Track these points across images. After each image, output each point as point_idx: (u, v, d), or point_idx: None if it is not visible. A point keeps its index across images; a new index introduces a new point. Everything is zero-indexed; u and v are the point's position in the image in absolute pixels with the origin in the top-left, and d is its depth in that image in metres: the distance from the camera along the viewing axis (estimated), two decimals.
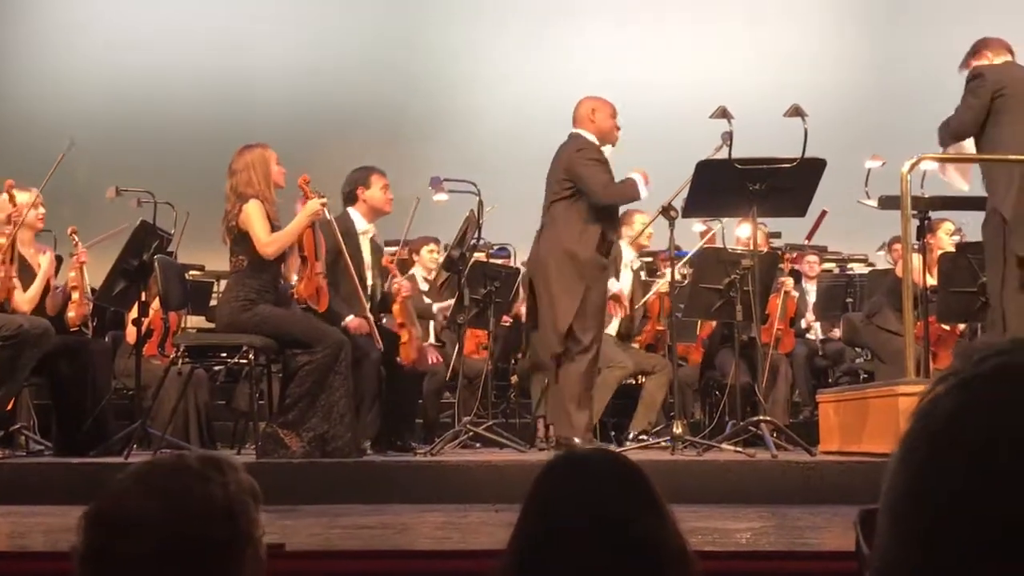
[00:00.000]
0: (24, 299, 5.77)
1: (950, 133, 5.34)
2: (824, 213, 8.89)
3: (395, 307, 6.31)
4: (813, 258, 8.64)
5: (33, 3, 11.50)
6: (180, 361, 5.52)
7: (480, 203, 6.00)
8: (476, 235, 6.06)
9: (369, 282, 5.97)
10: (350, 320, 5.61)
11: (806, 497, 4.48)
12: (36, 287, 5.88)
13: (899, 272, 7.14)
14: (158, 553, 1.39)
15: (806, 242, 9.21)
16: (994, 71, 5.36)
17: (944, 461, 0.59)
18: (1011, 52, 5.51)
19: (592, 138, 5.66)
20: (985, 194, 5.32)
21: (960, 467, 0.58)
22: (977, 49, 5.55)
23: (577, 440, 5.32)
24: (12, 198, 5.69)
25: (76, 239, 6.22)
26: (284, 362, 5.35)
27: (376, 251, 6.12)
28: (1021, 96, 5.28)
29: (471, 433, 5.83)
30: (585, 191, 5.50)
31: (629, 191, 5.53)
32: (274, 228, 5.25)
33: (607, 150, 5.68)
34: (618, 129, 5.73)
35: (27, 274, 5.87)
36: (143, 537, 1.40)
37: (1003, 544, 0.55)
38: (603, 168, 5.57)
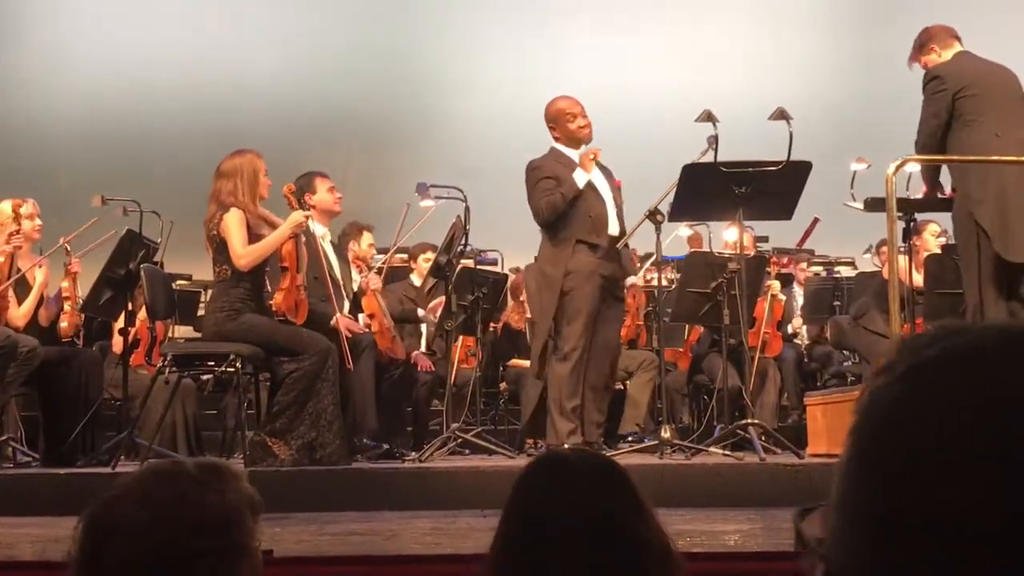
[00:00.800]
0: (18, 315, 5.82)
1: (921, 149, 5.25)
2: (816, 221, 8.92)
3: (364, 300, 6.31)
4: (805, 264, 8.67)
5: (18, 13, 11.47)
6: (167, 370, 5.50)
7: (467, 209, 6.00)
8: (463, 241, 6.06)
9: (342, 284, 6.01)
10: (338, 318, 5.62)
11: (794, 499, 4.43)
12: (30, 302, 5.94)
13: (886, 274, 7.17)
14: (148, 560, 1.38)
15: (796, 247, 9.22)
16: (950, 70, 5.22)
17: (886, 454, 0.59)
18: (958, 39, 5.38)
19: (561, 147, 5.71)
20: None
21: (902, 459, 0.58)
22: (923, 43, 5.41)
23: (564, 446, 5.31)
24: (17, 217, 5.72)
25: (68, 249, 6.23)
26: (271, 370, 5.34)
27: (339, 254, 6.14)
28: (985, 92, 5.16)
29: (460, 440, 5.83)
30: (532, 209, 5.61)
31: (552, 203, 5.52)
32: (255, 239, 5.23)
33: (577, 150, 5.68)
34: (584, 126, 5.72)
35: (23, 288, 5.92)
36: (133, 544, 1.39)
37: (952, 536, 0.55)
38: (540, 188, 5.58)
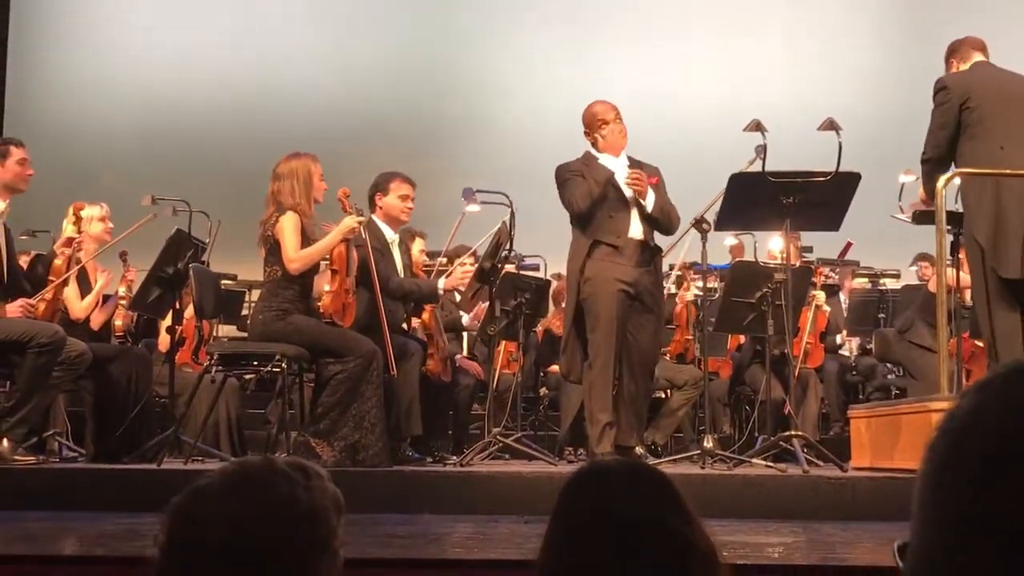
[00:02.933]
0: (79, 307, 6.05)
1: (931, 163, 5.17)
2: (849, 244, 8.86)
3: (424, 316, 6.35)
4: (850, 274, 8.63)
5: (67, 18, 11.63)
6: (213, 369, 5.55)
7: (512, 214, 6.00)
8: (508, 246, 6.06)
9: None
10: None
11: (837, 513, 4.46)
12: (91, 298, 6.12)
13: (932, 287, 7.10)
14: (235, 551, 1.40)
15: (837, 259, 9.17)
16: (958, 80, 5.16)
17: (962, 454, 0.60)
18: (982, 50, 5.31)
19: (594, 152, 5.70)
20: None
21: (976, 459, 0.59)
22: (947, 55, 5.41)
23: (597, 454, 5.29)
24: (79, 220, 5.85)
25: (126, 260, 6.49)
26: (317, 371, 5.38)
27: (406, 255, 6.16)
28: (993, 103, 5.05)
29: (500, 444, 5.84)
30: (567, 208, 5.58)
31: (588, 190, 5.50)
32: (308, 243, 5.29)
33: (616, 157, 5.67)
34: (622, 133, 5.71)
35: (84, 283, 6.17)
36: (220, 533, 1.41)
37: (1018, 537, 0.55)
38: (571, 183, 5.57)
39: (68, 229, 5.84)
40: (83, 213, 5.93)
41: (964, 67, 5.28)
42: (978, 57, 5.30)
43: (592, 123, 5.73)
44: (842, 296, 8.41)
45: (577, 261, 5.52)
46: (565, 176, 5.61)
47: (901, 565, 0.65)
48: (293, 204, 5.27)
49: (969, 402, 0.60)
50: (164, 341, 6.62)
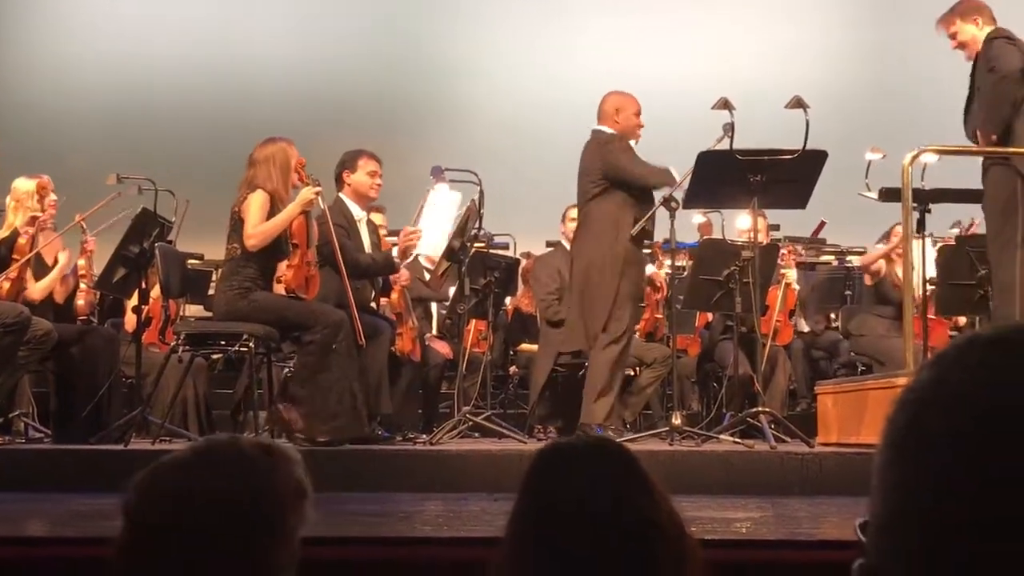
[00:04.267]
0: (36, 289, 5.90)
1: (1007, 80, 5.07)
2: (823, 223, 8.91)
3: (393, 295, 6.33)
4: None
5: None
6: (180, 349, 5.52)
7: (481, 192, 5.99)
8: (478, 225, 6.05)
9: None
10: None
11: (804, 488, 4.50)
12: (49, 279, 6.00)
13: (868, 281, 7.23)
14: (192, 527, 1.40)
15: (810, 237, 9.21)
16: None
17: (921, 427, 0.60)
18: (994, 20, 5.33)
19: (613, 132, 5.75)
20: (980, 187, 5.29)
21: (935, 431, 0.59)
22: (965, 10, 5.35)
23: (597, 428, 5.34)
24: (43, 198, 5.77)
25: (84, 227, 6.31)
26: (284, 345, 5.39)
27: (373, 234, 6.13)
28: None
29: (470, 423, 5.84)
30: (626, 179, 5.61)
31: (665, 176, 5.61)
32: None
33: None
34: (641, 126, 5.84)
35: (40, 265, 5.98)
36: (182, 510, 1.41)
37: (975, 499, 0.56)
38: (634, 155, 5.68)
39: (10, 209, 5.77)
40: (20, 186, 5.85)
41: (986, 31, 5.24)
42: (993, 25, 5.29)
43: (627, 116, 5.80)
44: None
45: (622, 244, 5.62)
46: (625, 147, 5.68)
47: (863, 540, 0.65)
48: (271, 190, 5.23)
49: (928, 374, 0.60)
50: (130, 321, 6.57)
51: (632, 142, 5.77)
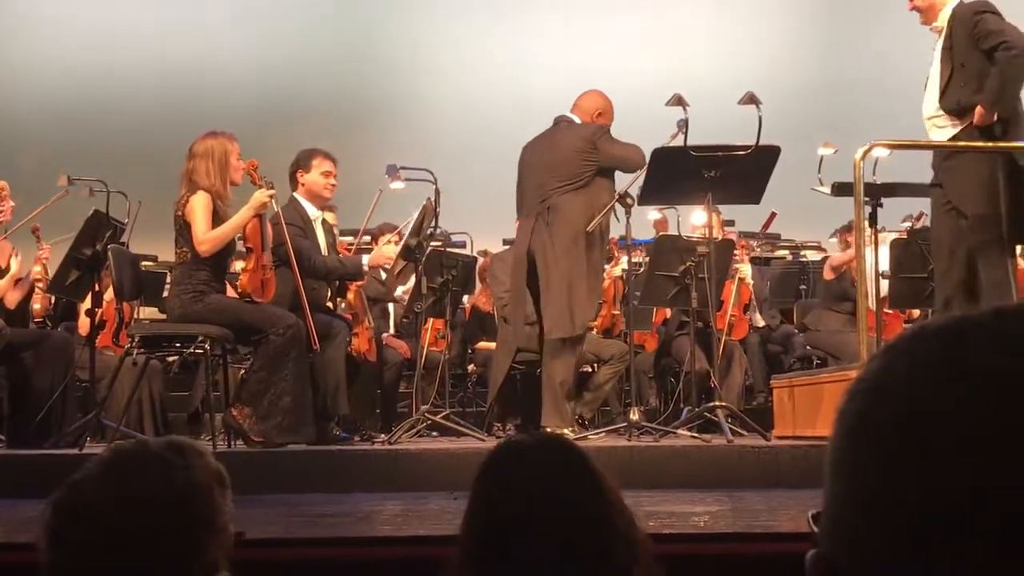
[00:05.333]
0: None
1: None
2: (773, 215, 8.97)
3: (349, 295, 6.31)
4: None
5: None
6: (135, 352, 5.47)
7: (437, 191, 5.98)
8: (433, 223, 6.05)
9: None
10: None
11: (761, 481, 4.53)
12: (2, 284, 5.93)
13: (827, 275, 7.30)
14: (119, 540, 1.39)
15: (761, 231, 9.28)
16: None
17: (869, 419, 0.60)
18: None
19: (600, 125, 5.76)
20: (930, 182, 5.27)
21: (882, 422, 0.59)
22: None
23: (568, 432, 5.31)
24: (3, 199, 5.71)
25: (39, 236, 6.31)
26: (239, 347, 5.35)
27: (329, 235, 6.11)
28: None
29: (429, 422, 5.83)
30: (624, 166, 5.61)
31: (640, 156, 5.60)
32: (222, 223, 5.19)
33: None
34: None
35: None
36: (103, 525, 1.40)
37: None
38: (621, 142, 5.69)
39: None
40: None
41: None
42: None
43: (606, 112, 5.84)
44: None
45: (597, 239, 5.62)
46: (612, 136, 5.69)
47: (815, 531, 0.66)
48: (208, 185, 5.16)
49: (876, 364, 0.61)
50: (84, 324, 6.51)
51: None
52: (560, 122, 5.78)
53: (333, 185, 6.00)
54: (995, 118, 4.93)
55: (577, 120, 5.77)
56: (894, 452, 0.58)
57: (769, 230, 9.37)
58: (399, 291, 7.48)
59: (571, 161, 5.58)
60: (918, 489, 0.57)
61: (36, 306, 6.26)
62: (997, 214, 4.93)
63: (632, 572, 1.52)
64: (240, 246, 5.55)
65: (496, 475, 1.59)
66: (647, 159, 5.50)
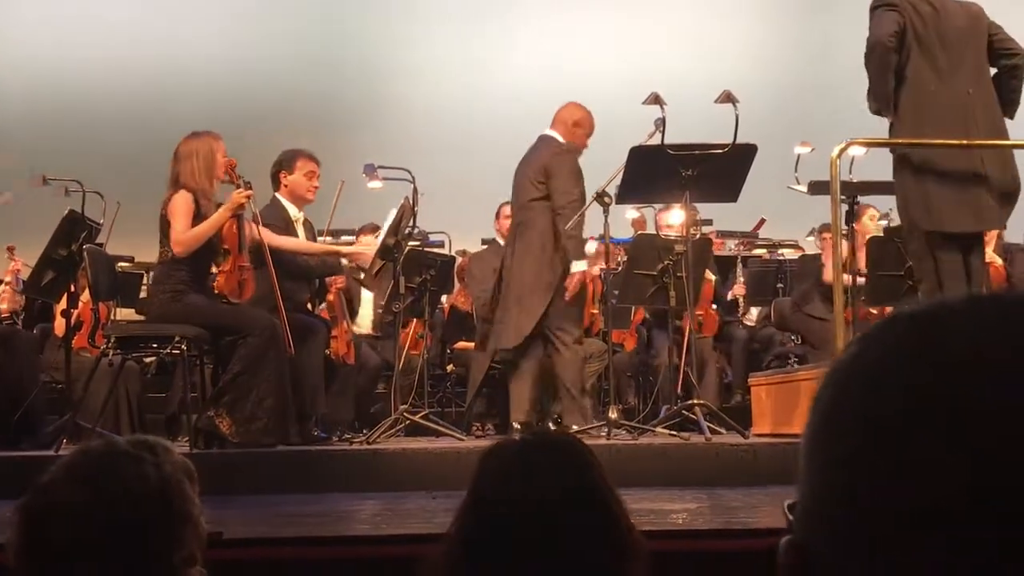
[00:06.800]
0: None
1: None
2: (762, 221, 9.00)
3: (329, 297, 6.30)
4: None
5: None
6: (111, 353, 5.44)
7: (415, 190, 5.98)
8: (411, 223, 6.04)
9: None
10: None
11: (740, 478, 4.54)
12: None
13: (826, 275, 7.30)
14: (93, 538, 1.38)
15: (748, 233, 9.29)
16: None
17: (841, 406, 0.60)
18: None
19: (563, 141, 5.91)
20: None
21: (853, 410, 0.59)
22: None
23: (575, 428, 5.50)
24: None
25: (13, 254, 6.29)
26: (217, 351, 5.31)
27: (310, 235, 6.09)
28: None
29: (408, 422, 5.82)
30: (559, 200, 5.75)
31: (577, 243, 5.78)
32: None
33: None
34: (586, 147, 6.00)
35: None
36: (75, 524, 1.39)
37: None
38: (576, 181, 5.80)
39: None
40: None
41: None
42: None
43: (581, 135, 5.97)
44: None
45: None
46: (574, 169, 5.85)
47: (791, 519, 0.65)
48: (194, 185, 5.15)
49: (850, 351, 0.61)
50: (60, 325, 6.47)
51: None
52: (538, 141, 5.90)
53: (316, 187, 5.98)
54: (880, 113, 4.86)
55: (556, 136, 5.92)
56: (863, 438, 0.58)
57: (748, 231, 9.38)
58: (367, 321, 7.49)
59: (528, 185, 5.89)
60: (886, 475, 0.56)
61: (3, 305, 6.19)
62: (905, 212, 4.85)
63: (628, 571, 1.53)
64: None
65: (494, 472, 1.59)
66: (585, 202, 5.65)
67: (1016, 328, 0.58)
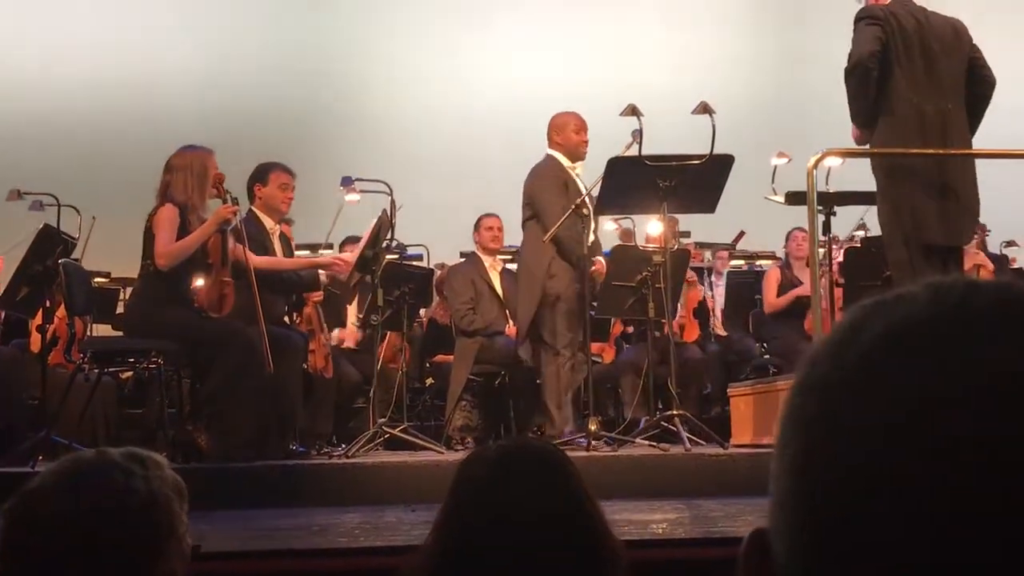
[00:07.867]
0: None
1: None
2: (742, 233, 9.03)
3: (307, 310, 6.27)
4: (723, 253, 8.80)
5: None
6: (87, 368, 5.40)
7: (392, 203, 5.97)
8: (389, 235, 6.03)
9: None
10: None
11: (719, 489, 4.54)
12: None
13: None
14: (77, 548, 1.37)
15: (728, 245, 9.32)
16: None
17: (804, 401, 0.60)
18: None
19: (560, 156, 5.98)
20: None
21: (814, 402, 0.58)
22: None
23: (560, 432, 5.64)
24: None
25: None
26: (195, 364, 5.28)
27: (287, 247, 6.07)
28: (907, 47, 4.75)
29: (387, 435, 5.80)
30: (540, 217, 5.88)
31: (577, 242, 5.80)
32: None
33: (579, 166, 6.02)
34: (584, 142, 6.02)
35: None
36: (60, 533, 1.38)
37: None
38: (559, 193, 5.83)
39: None
40: None
41: None
42: None
43: (565, 128, 6.03)
44: (713, 278, 8.58)
45: (550, 266, 5.89)
46: (551, 186, 5.91)
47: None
48: (184, 199, 5.12)
49: (819, 346, 0.60)
50: (35, 340, 6.42)
51: (580, 163, 5.99)
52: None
53: (290, 198, 5.96)
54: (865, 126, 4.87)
55: (555, 154, 6.03)
56: (814, 432, 0.57)
57: (727, 243, 9.41)
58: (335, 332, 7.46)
59: (523, 206, 6.04)
60: (831, 470, 0.56)
61: None
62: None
63: None
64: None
65: (473, 480, 1.58)
66: (557, 223, 5.67)
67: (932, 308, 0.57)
